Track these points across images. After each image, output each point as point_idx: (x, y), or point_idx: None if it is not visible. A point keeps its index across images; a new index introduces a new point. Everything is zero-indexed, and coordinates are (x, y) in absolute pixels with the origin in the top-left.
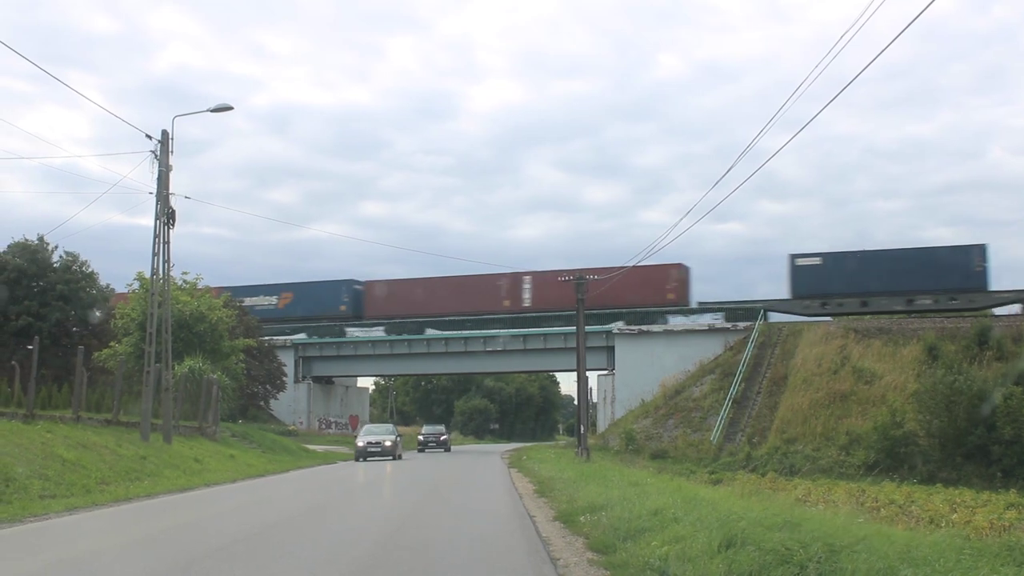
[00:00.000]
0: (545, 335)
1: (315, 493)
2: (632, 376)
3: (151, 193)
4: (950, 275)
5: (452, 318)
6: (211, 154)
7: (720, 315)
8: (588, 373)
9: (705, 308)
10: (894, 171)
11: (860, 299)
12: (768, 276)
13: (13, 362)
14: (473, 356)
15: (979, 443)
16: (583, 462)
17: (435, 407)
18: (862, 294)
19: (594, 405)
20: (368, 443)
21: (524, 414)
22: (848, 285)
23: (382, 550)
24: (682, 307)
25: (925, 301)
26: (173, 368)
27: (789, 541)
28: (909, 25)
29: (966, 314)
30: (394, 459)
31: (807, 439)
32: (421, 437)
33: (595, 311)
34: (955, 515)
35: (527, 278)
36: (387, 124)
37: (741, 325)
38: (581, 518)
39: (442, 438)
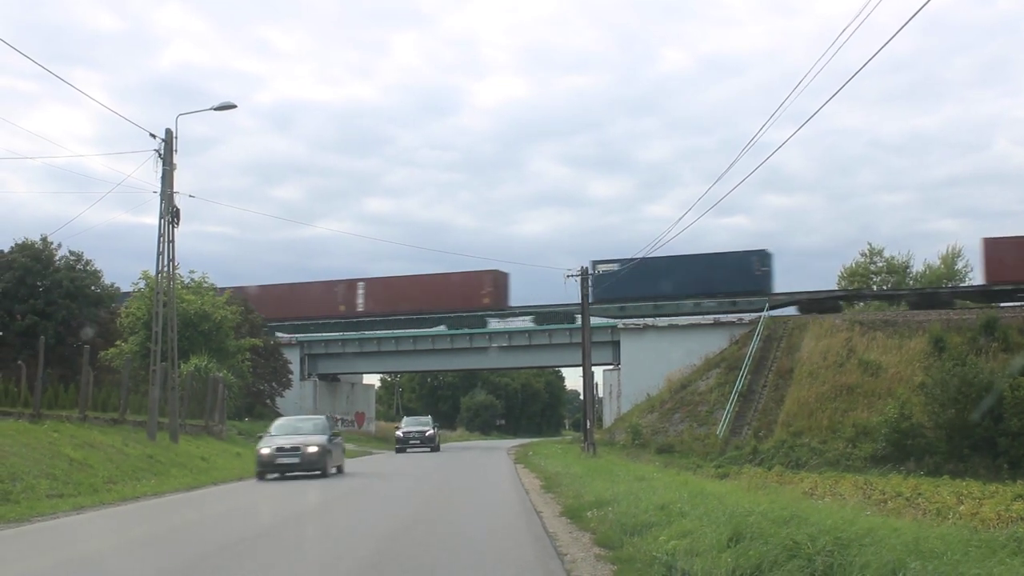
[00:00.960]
0: (550, 331)
1: (321, 490)
2: (638, 371)
3: (155, 192)
4: (735, 279)
5: (460, 314)
6: (215, 152)
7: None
8: (594, 368)
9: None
10: (898, 164)
11: (653, 303)
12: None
13: (19, 362)
14: (478, 352)
15: (986, 435)
16: (589, 457)
17: (441, 403)
18: (655, 297)
19: (600, 400)
20: (407, 433)
21: (530, 410)
22: (642, 289)
23: (391, 545)
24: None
25: (711, 303)
26: (179, 367)
27: (797, 535)
28: (912, 17)
29: (749, 314)
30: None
31: (813, 432)
32: (400, 434)
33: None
34: (962, 507)
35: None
36: (391, 120)
37: (746, 318)
38: (588, 513)
39: (427, 433)
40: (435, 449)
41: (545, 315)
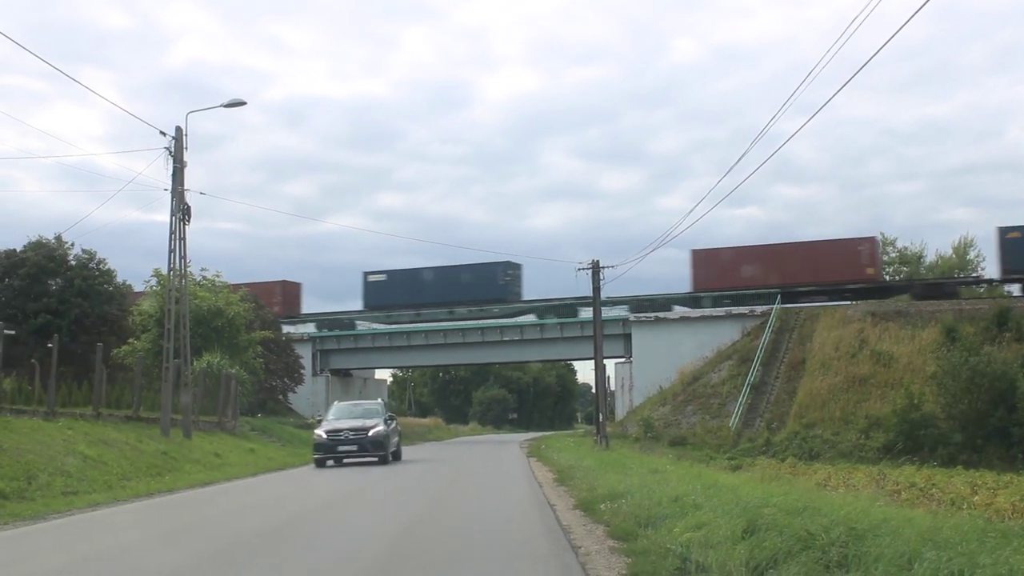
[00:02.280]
0: (562, 324)
1: (336, 484)
2: (650, 363)
3: (166, 190)
4: (482, 288)
5: (471, 308)
6: (226, 148)
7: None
8: (605, 361)
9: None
10: (911, 153)
11: (415, 310)
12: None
13: (33, 360)
14: (490, 346)
15: (999, 425)
16: (602, 450)
17: (453, 398)
18: (417, 306)
19: (612, 393)
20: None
21: (542, 403)
22: (405, 298)
23: (404, 540)
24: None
25: (462, 310)
26: (192, 363)
27: (811, 526)
28: (924, 4)
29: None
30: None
31: (826, 423)
32: (322, 434)
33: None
34: (976, 497)
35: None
36: (402, 115)
37: (758, 310)
38: (601, 506)
39: (372, 432)
40: (386, 459)
41: (547, 309)
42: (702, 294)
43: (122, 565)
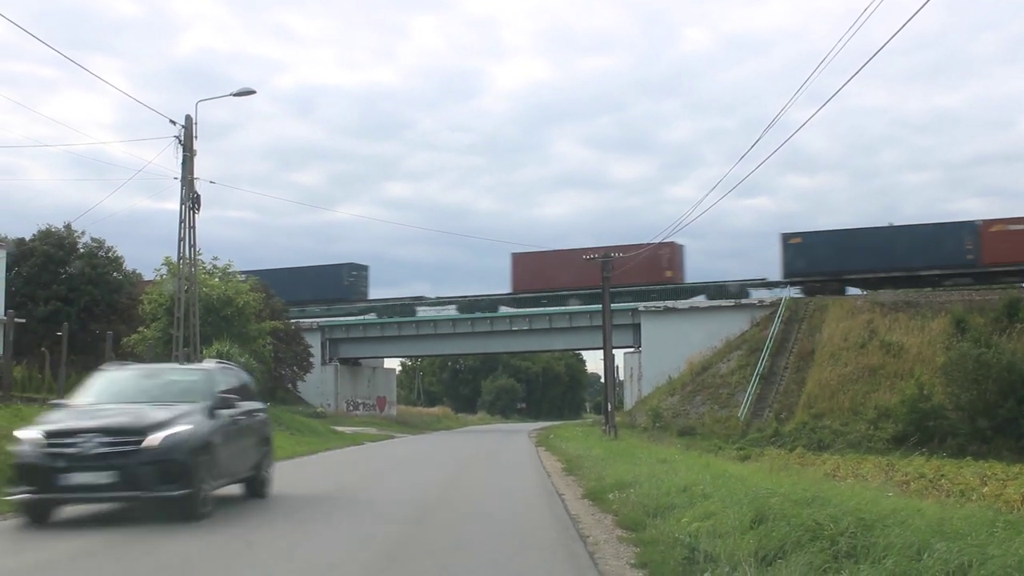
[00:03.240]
0: (570, 314)
1: (342, 473)
2: (658, 353)
3: (176, 178)
4: (329, 288)
5: (476, 298)
6: (236, 137)
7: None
8: (614, 351)
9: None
10: (923, 143)
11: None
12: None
13: (43, 348)
14: (499, 335)
15: (1009, 416)
16: (611, 440)
17: (462, 387)
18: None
19: (621, 383)
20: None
21: (551, 393)
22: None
23: (414, 529)
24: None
25: (315, 308)
26: (201, 352)
27: (820, 516)
28: None
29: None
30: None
31: (835, 414)
32: (35, 439)
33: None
34: (986, 488)
35: None
36: (412, 104)
37: (767, 300)
38: (610, 495)
39: (153, 441)
40: (191, 506)
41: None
42: (521, 295)
43: (130, 553)
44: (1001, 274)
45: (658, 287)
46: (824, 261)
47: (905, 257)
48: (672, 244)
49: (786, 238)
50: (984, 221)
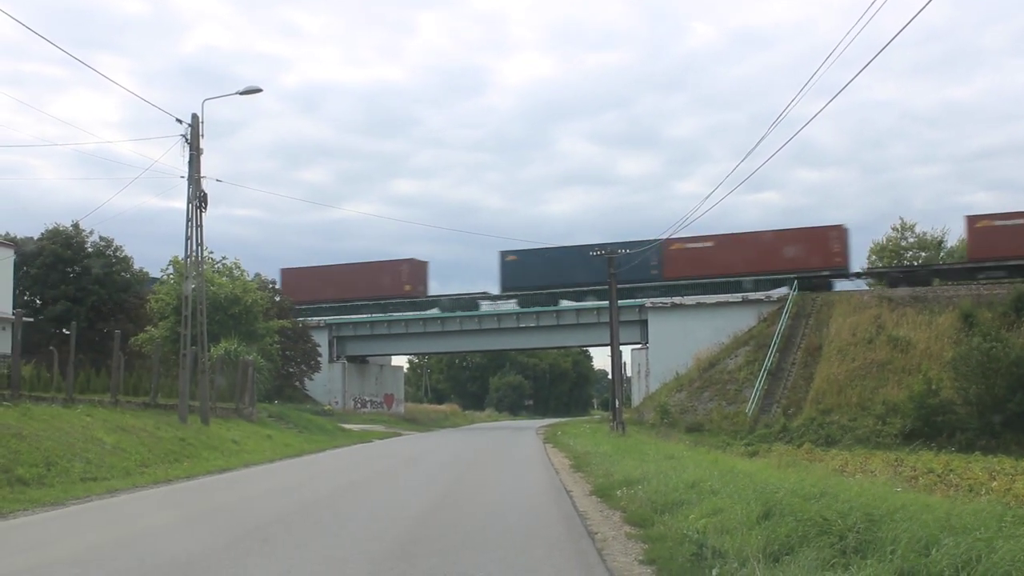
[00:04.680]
0: (577, 310)
1: (352, 472)
2: (666, 350)
3: (183, 177)
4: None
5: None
6: (242, 135)
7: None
8: (622, 347)
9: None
10: (932, 136)
11: None
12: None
13: (51, 347)
14: (506, 332)
15: (1018, 410)
16: (618, 436)
17: (470, 384)
18: None
19: (628, 379)
20: None
21: (558, 389)
22: None
23: (421, 527)
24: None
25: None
26: (209, 350)
27: (828, 511)
28: None
29: (1005, 281)
30: None
31: (843, 409)
32: None
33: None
34: (994, 483)
35: None
36: (418, 101)
37: (775, 296)
38: (618, 492)
39: None
40: None
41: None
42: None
43: (141, 551)
44: (680, 288)
45: (396, 300)
46: (537, 277)
47: (602, 272)
48: (411, 260)
49: (503, 256)
50: (666, 239)
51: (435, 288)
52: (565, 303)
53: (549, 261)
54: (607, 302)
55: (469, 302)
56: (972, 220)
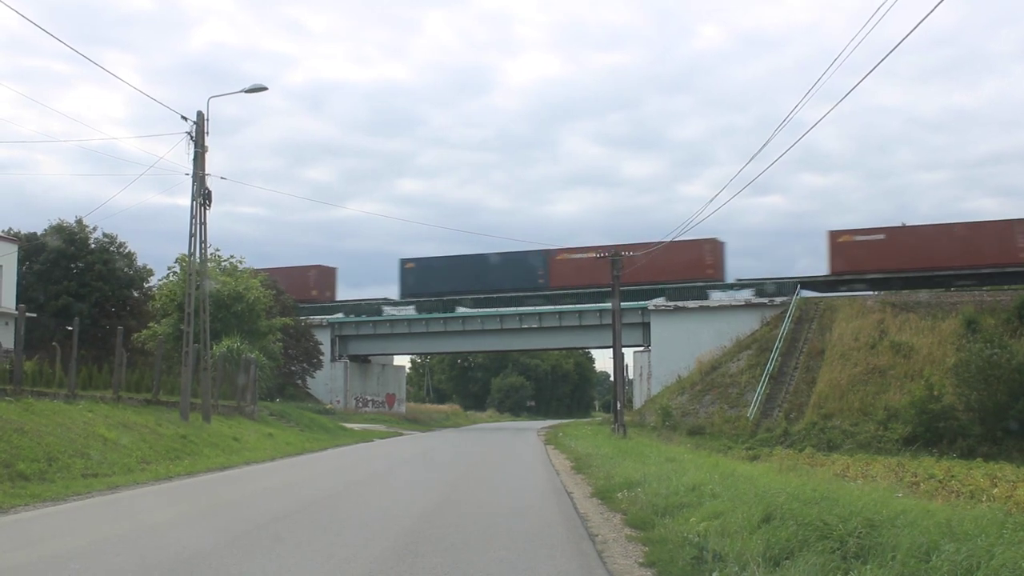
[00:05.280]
0: (580, 312)
1: (353, 471)
2: (668, 352)
3: (187, 174)
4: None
5: (487, 295)
6: (248, 132)
7: (752, 290)
8: (624, 350)
9: (742, 284)
10: (937, 142)
11: None
12: (808, 250)
13: (54, 343)
14: (508, 333)
15: (1020, 417)
16: (620, 439)
17: (471, 385)
18: None
19: (630, 381)
20: None
21: (560, 391)
22: None
23: (423, 527)
24: (717, 283)
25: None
26: (212, 348)
27: (828, 516)
28: None
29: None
30: None
31: (845, 414)
32: None
33: (631, 287)
34: (996, 490)
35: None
36: (424, 100)
37: (778, 300)
38: (618, 494)
39: None
40: None
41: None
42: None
43: (142, 547)
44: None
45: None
46: (434, 284)
47: (496, 280)
48: (320, 266)
49: (403, 263)
50: (551, 250)
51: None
52: (461, 310)
53: (448, 269)
54: (609, 304)
55: (372, 307)
56: (834, 235)
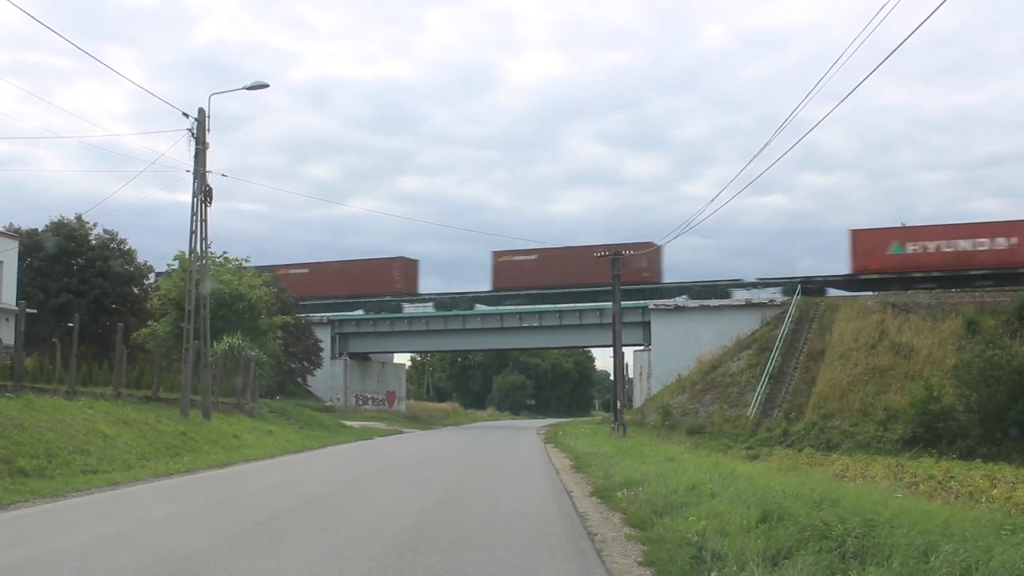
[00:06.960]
0: (581, 311)
1: (353, 469)
2: (668, 352)
3: (188, 171)
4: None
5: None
6: (250, 129)
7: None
8: (624, 348)
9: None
10: (940, 142)
11: None
12: (810, 249)
13: (54, 339)
14: (509, 332)
15: (1020, 418)
16: (619, 438)
17: (472, 383)
18: None
19: (630, 381)
20: None
21: (560, 390)
22: None
23: (422, 525)
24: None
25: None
26: (212, 345)
27: (827, 516)
28: None
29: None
30: None
31: (844, 415)
32: None
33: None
34: (995, 491)
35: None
36: (426, 98)
37: (778, 300)
38: (618, 493)
39: None
40: None
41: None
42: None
43: (142, 544)
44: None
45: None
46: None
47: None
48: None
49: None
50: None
51: (433, 286)
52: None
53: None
54: (610, 303)
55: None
56: (497, 255)
